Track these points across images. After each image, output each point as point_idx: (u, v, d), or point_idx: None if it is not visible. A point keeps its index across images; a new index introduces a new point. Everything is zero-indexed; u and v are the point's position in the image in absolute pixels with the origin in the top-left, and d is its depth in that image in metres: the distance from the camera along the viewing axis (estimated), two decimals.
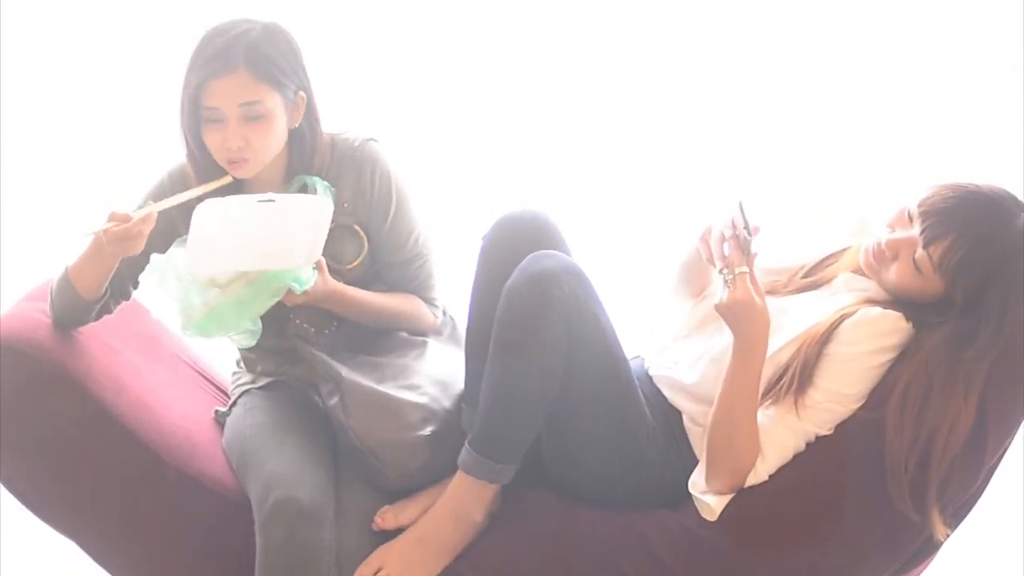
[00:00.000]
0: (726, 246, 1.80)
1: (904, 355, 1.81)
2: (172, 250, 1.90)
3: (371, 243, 2.05)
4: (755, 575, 1.83)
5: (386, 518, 1.91)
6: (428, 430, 1.92)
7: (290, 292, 1.88)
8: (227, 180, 1.91)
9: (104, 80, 3.18)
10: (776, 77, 3.14)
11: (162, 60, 2.89)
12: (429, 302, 2.12)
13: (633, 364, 1.99)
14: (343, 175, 2.01)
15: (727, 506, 1.82)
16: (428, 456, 1.92)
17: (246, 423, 2.02)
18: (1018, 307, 1.78)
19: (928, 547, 1.83)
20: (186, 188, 1.96)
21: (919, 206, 1.81)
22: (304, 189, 1.98)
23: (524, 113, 3.21)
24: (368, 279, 2.06)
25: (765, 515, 1.81)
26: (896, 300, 1.85)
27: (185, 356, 2.26)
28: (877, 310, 1.82)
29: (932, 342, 1.79)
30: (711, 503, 1.82)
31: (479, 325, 1.94)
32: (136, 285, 2.02)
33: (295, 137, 1.97)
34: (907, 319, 1.81)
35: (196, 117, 1.89)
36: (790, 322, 1.86)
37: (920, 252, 1.79)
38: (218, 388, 2.26)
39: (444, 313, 2.17)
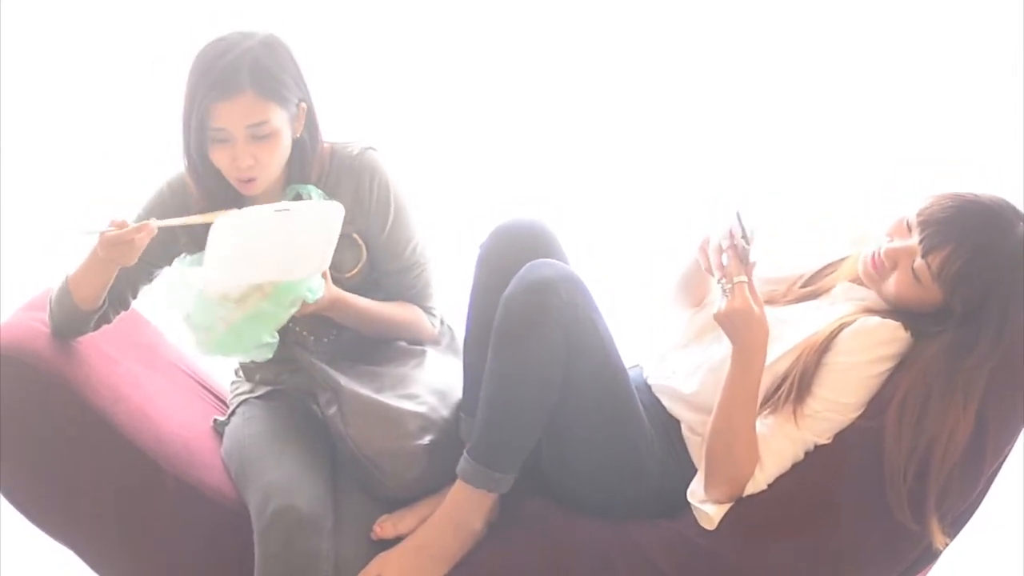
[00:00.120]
0: (724, 256, 1.80)
1: (903, 364, 1.81)
2: (185, 269, 1.89)
3: (369, 252, 2.04)
4: None
5: (385, 527, 1.91)
6: (426, 439, 1.92)
7: (304, 302, 1.89)
8: (226, 212, 1.84)
9: (104, 80, 3.17)
10: (776, 78, 3.12)
11: (162, 60, 2.89)
12: (427, 311, 2.12)
13: (632, 373, 1.99)
14: (342, 184, 2.01)
15: (726, 515, 1.82)
16: (426, 465, 1.92)
17: (245, 432, 2.02)
18: (1017, 316, 1.78)
19: (927, 556, 1.83)
20: (186, 198, 1.97)
21: (918, 215, 1.80)
22: (298, 198, 1.97)
23: (522, 121, 3.19)
24: (366, 288, 2.05)
25: (764, 524, 1.81)
26: (895, 309, 1.85)
27: (183, 365, 2.26)
28: (876, 319, 1.82)
29: (931, 351, 1.79)
30: (710, 512, 1.82)
31: (477, 334, 1.93)
32: (135, 295, 2.02)
33: (296, 146, 1.96)
34: (906, 328, 1.81)
35: (202, 136, 1.88)
36: (789, 331, 1.86)
37: (919, 261, 1.79)
38: (216, 397, 2.26)
39: (442, 322, 2.16)
